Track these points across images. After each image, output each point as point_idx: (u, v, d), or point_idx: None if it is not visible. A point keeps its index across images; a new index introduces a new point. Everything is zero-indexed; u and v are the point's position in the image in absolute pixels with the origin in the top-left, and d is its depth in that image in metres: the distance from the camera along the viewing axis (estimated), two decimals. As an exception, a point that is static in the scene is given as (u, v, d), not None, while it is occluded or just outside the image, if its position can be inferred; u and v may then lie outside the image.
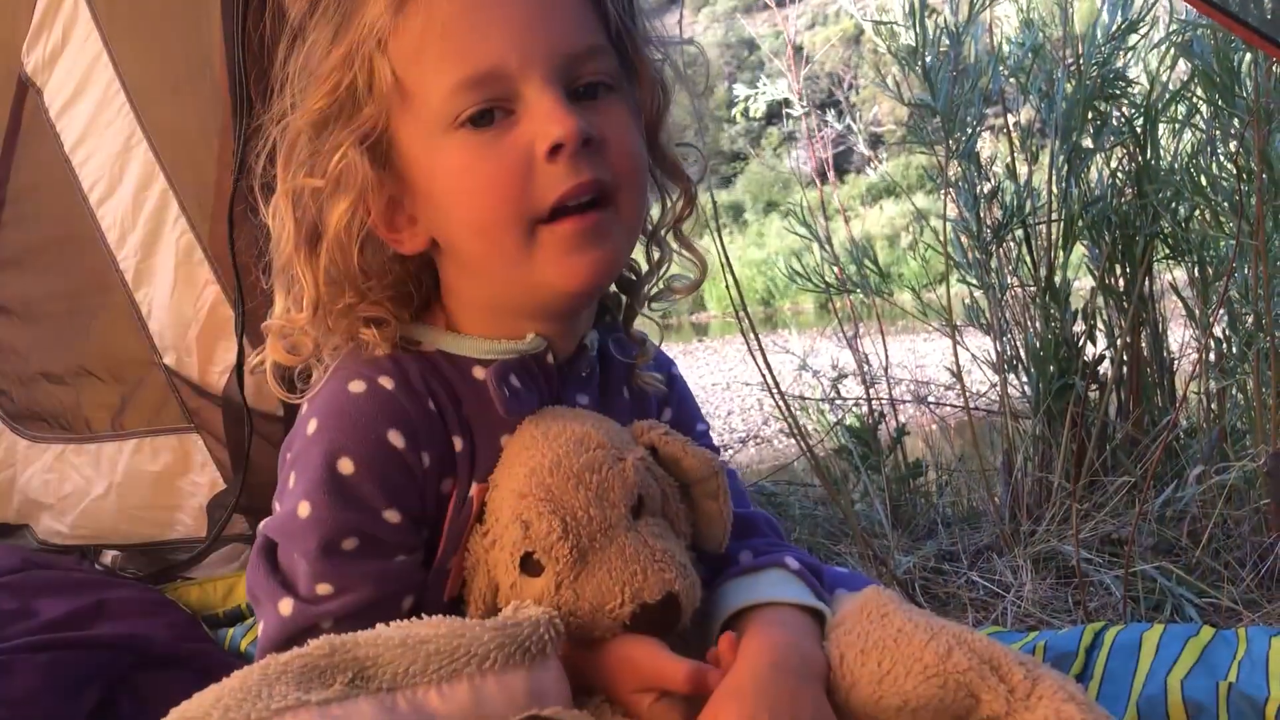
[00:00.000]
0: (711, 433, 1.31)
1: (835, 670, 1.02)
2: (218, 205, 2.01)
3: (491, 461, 1.06)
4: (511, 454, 1.04)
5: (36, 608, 1.72)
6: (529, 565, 1.00)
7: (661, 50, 1.12)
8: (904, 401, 3.18)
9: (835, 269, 3.08)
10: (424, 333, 1.09)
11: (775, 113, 4.27)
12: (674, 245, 1.19)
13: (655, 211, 1.16)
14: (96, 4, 2.07)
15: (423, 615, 0.95)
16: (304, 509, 1.00)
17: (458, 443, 1.05)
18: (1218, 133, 2.34)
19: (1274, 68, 2.02)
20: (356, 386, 1.03)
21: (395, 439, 1.02)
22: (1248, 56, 2.10)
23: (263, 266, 1.11)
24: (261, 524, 1.06)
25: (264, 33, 1.10)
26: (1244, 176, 2.13)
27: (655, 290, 1.21)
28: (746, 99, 3.55)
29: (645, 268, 1.19)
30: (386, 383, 1.03)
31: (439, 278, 1.11)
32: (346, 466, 1.00)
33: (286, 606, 1.01)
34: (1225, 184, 2.26)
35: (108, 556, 2.21)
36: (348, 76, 1.00)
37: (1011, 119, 2.81)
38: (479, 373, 1.06)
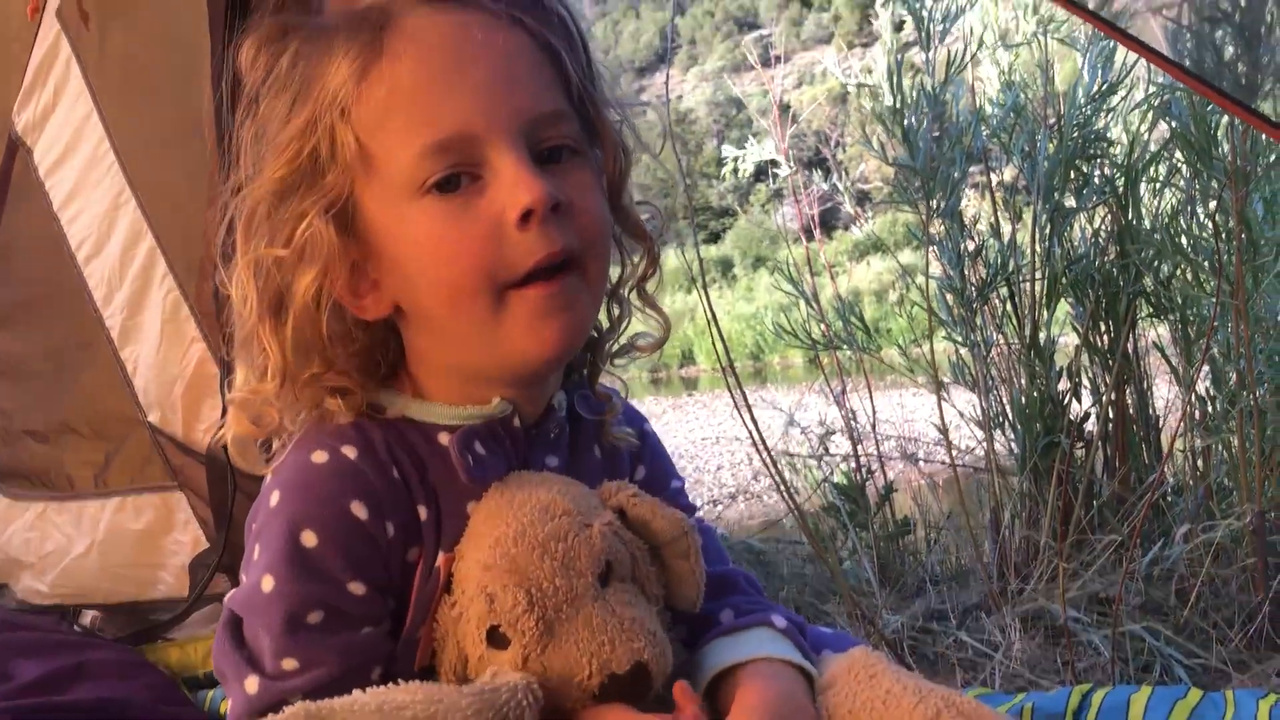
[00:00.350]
0: (700, 487, 1.31)
1: None
2: (204, 263, 2.02)
3: (458, 529, 1.05)
4: (477, 524, 1.03)
5: (13, 670, 1.70)
6: (495, 638, 0.98)
7: (620, 113, 1.13)
8: (891, 458, 3.18)
9: (822, 325, 3.09)
10: (389, 399, 1.08)
11: (764, 169, 4.30)
12: (638, 304, 1.19)
13: (615, 270, 1.17)
14: (88, 64, 2.09)
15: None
16: (267, 583, 0.99)
17: (422, 511, 1.04)
18: (1197, 193, 2.37)
19: (1249, 131, 2.05)
20: (319, 457, 1.02)
21: (359, 510, 1.00)
22: (1224, 119, 2.13)
23: (225, 337, 1.11)
24: (227, 597, 1.05)
25: (219, 97, 1.09)
26: (1223, 236, 2.15)
27: (617, 347, 1.21)
28: (735, 159, 3.58)
29: (606, 325, 1.19)
30: (349, 452, 1.02)
31: (403, 343, 1.10)
32: (310, 539, 0.99)
33: (252, 684, 1.00)
34: (1205, 244, 2.28)
35: (87, 617, 2.19)
36: (309, 144, 0.99)
37: (995, 178, 2.84)
38: (444, 439, 1.05)
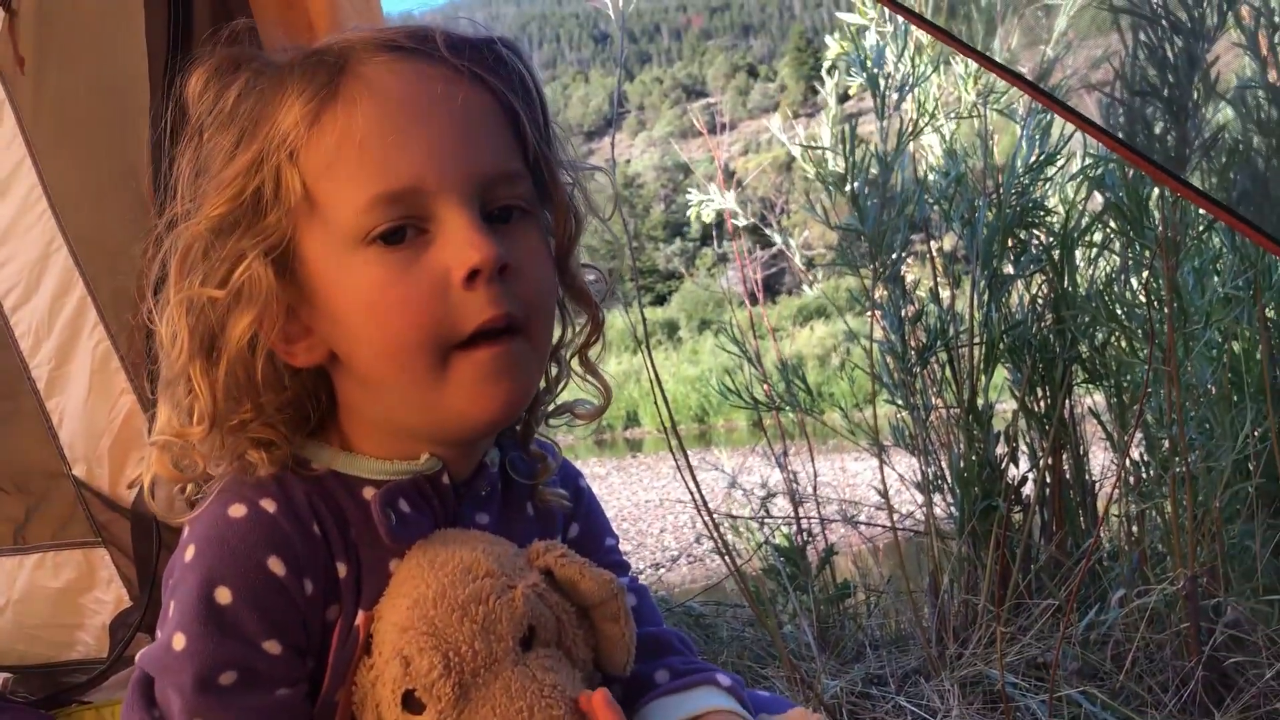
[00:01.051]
0: (643, 550, 1.29)
1: None
2: (136, 313, 1.97)
3: (379, 588, 1.01)
4: (396, 584, 1.00)
5: (-84, 734, 1.62)
6: (411, 703, 0.94)
7: (573, 176, 1.11)
8: (832, 520, 3.18)
9: (765, 386, 3.10)
10: (315, 451, 1.04)
11: (710, 234, 4.32)
12: (579, 371, 1.18)
13: (556, 331, 1.15)
14: (22, 109, 2.06)
15: None
16: (179, 641, 0.94)
17: (341, 569, 1.00)
18: (1130, 262, 2.43)
19: (1179, 203, 2.11)
20: (236, 511, 0.98)
21: (276, 566, 0.96)
22: (1155, 191, 2.18)
23: (147, 376, 1.06)
24: (139, 655, 1.00)
25: (162, 128, 1.05)
26: (1155, 304, 2.19)
27: (554, 408, 1.19)
28: (699, 204, 3.60)
29: (543, 386, 1.15)
30: (269, 506, 0.98)
31: (334, 393, 1.06)
32: (224, 596, 0.95)
33: None
34: (1138, 311, 2.33)
35: (-1, 678, 2.10)
36: (253, 183, 0.96)
37: (935, 245, 2.89)
38: (369, 493, 1.02)
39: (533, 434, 1.17)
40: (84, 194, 2.07)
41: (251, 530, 0.97)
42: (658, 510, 8.56)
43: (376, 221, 0.95)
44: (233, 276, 0.96)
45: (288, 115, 0.96)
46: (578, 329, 1.15)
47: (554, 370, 1.16)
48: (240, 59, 1.02)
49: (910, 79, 2.75)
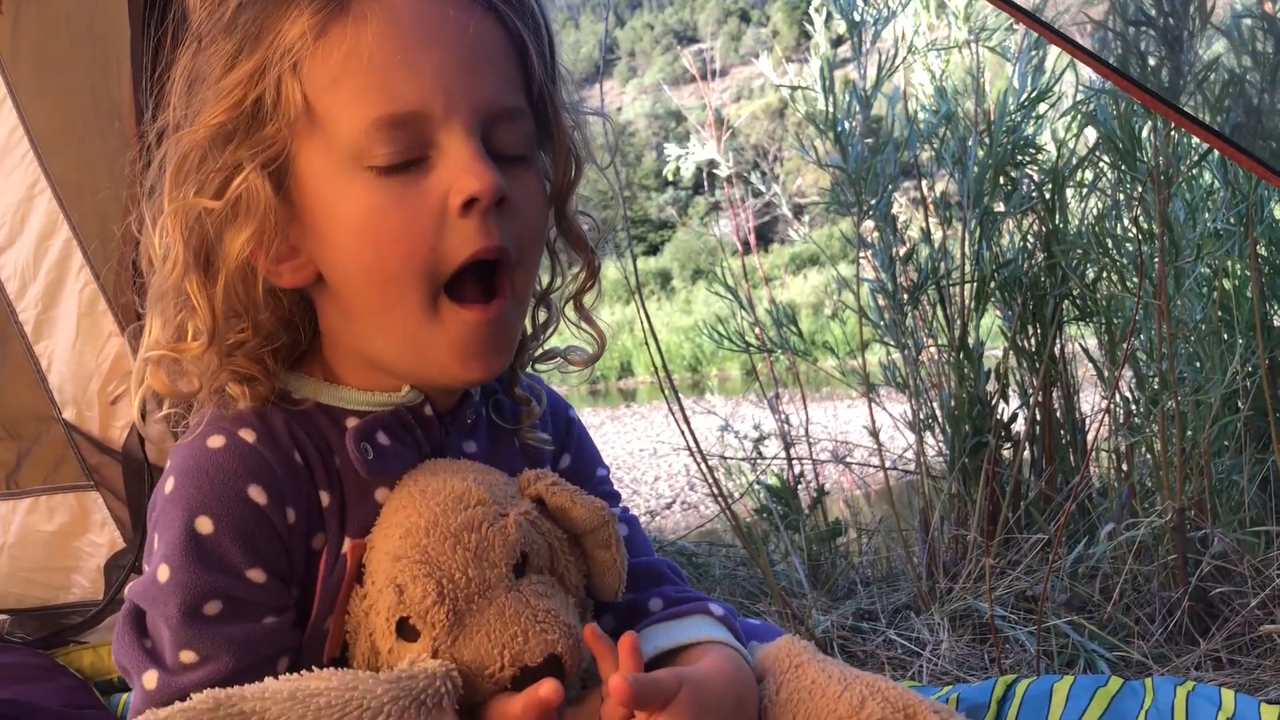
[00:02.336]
0: (637, 498, 1.29)
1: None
2: (123, 254, 1.96)
3: (364, 516, 1.01)
4: (388, 514, 1.00)
5: (-85, 673, 1.64)
6: (405, 630, 0.95)
7: (574, 120, 1.09)
8: (823, 461, 3.19)
9: (756, 330, 3.10)
10: (298, 383, 1.04)
11: (702, 183, 4.32)
12: (574, 318, 1.17)
13: (545, 276, 1.13)
14: (1, 50, 2.03)
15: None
16: (164, 572, 0.95)
17: (324, 497, 1.01)
18: (1122, 198, 2.42)
19: (1172, 133, 2.09)
20: (215, 441, 0.97)
21: (256, 494, 0.96)
22: (1149, 123, 2.17)
23: (137, 288, 1.05)
24: (127, 589, 1.00)
25: (162, 34, 1.03)
26: (1146, 239, 2.19)
27: (544, 352, 1.18)
28: (678, 159, 3.58)
29: (529, 330, 1.16)
30: (247, 435, 0.98)
31: (316, 322, 1.06)
32: (205, 525, 0.95)
33: (151, 679, 0.96)
34: (1129, 248, 2.32)
35: (-4, 620, 2.11)
36: (253, 92, 0.94)
37: (926, 184, 2.88)
38: (352, 423, 1.02)
39: (518, 379, 1.17)
40: (67, 135, 2.04)
41: (230, 460, 0.97)
42: (652, 459, 8.59)
43: (378, 144, 0.93)
44: (230, 187, 0.95)
45: (294, 25, 0.94)
46: (572, 275, 1.15)
47: (543, 315, 1.16)
48: None
49: (888, 12, 2.72)
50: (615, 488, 1.26)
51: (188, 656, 0.95)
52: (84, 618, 2.08)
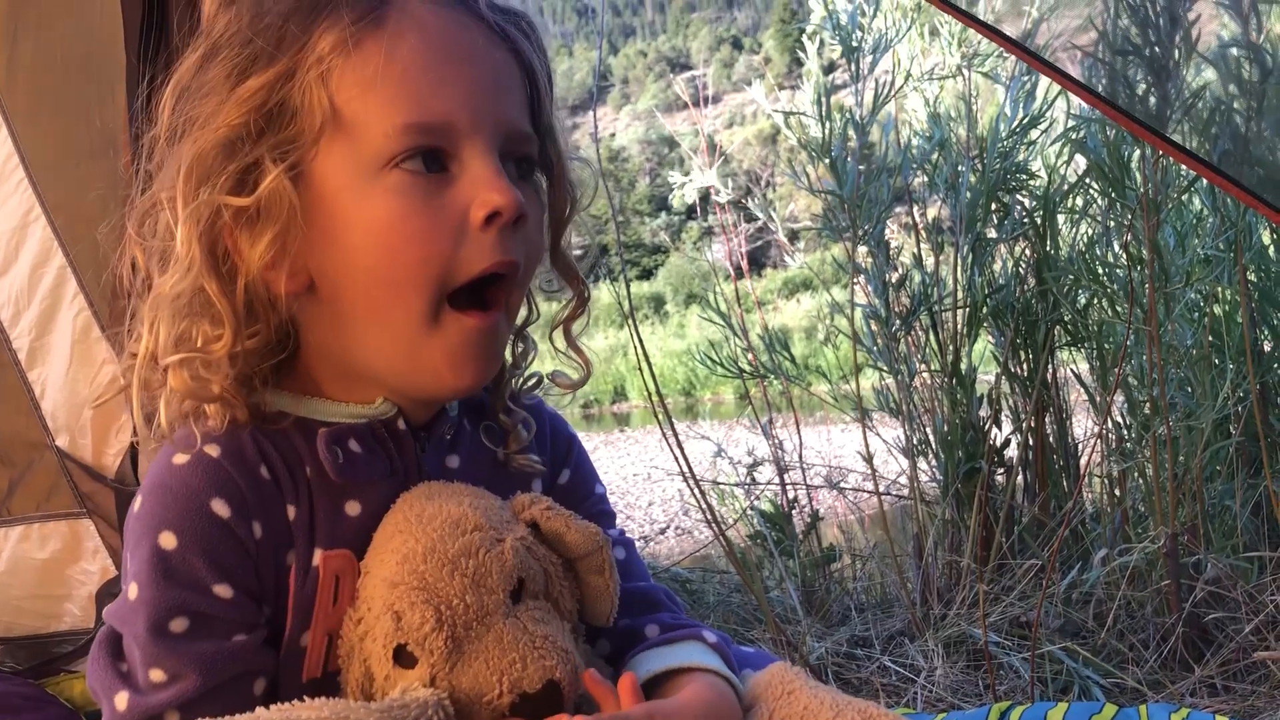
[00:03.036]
0: (631, 523, 1.30)
1: None
2: (117, 281, 1.96)
3: (333, 528, 1.00)
4: (383, 539, 1.00)
5: (-97, 703, 1.62)
6: (403, 657, 0.95)
7: (567, 153, 1.12)
8: (817, 486, 3.19)
9: (749, 355, 3.10)
10: (269, 395, 1.03)
11: (696, 207, 4.33)
12: (562, 345, 1.18)
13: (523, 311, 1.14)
14: (-3, 78, 2.04)
15: (279, 700, 0.90)
16: (133, 590, 0.95)
17: (291, 511, 1.00)
18: (1112, 224, 2.43)
19: (1161, 160, 2.11)
20: (180, 458, 0.97)
21: (220, 509, 0.96)
22: (1137, 152, 2.19)
23: (141, 284, 1.03)
24: (105, 611, 1.00)
25: (172, 38, 1.04)
26: (1136, 265, 2.20)
27: (526, 384, 1.19)
28: (680, 186, 3.60)
29: (510, 360, 1.16)
30: (212, 450, 0.97)
31: (297, 332, 1.05)
32: (169, 541, 0.94)
33: (122, 700, 0.95)
34: (1119, 274, 2.34)
35: (-14, 649, 2.10)
36: (277, 96, 0.95)
37: (918, 210, 2.89)
38: (320, 436, 1.01)
39: (502, 404, 1.17)
40: (62, 163, 2.05)
41: (194, 475, 0.96)
42: (645, 484, 8.57)
43: (406, 146, 0.95)
44: (257, 188, 0.95)
45: (327, 35, 0.96)
46: (562, 303, 1.16)
47: (520, 347, 1.17)
48: None
49: (884, 41, 2.74)
50: (611, 506, 1.26)
51: (156, 675, 0.94)
52: (75, 646, 2.07)
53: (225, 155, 0.96)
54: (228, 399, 0.99)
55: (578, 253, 1.17)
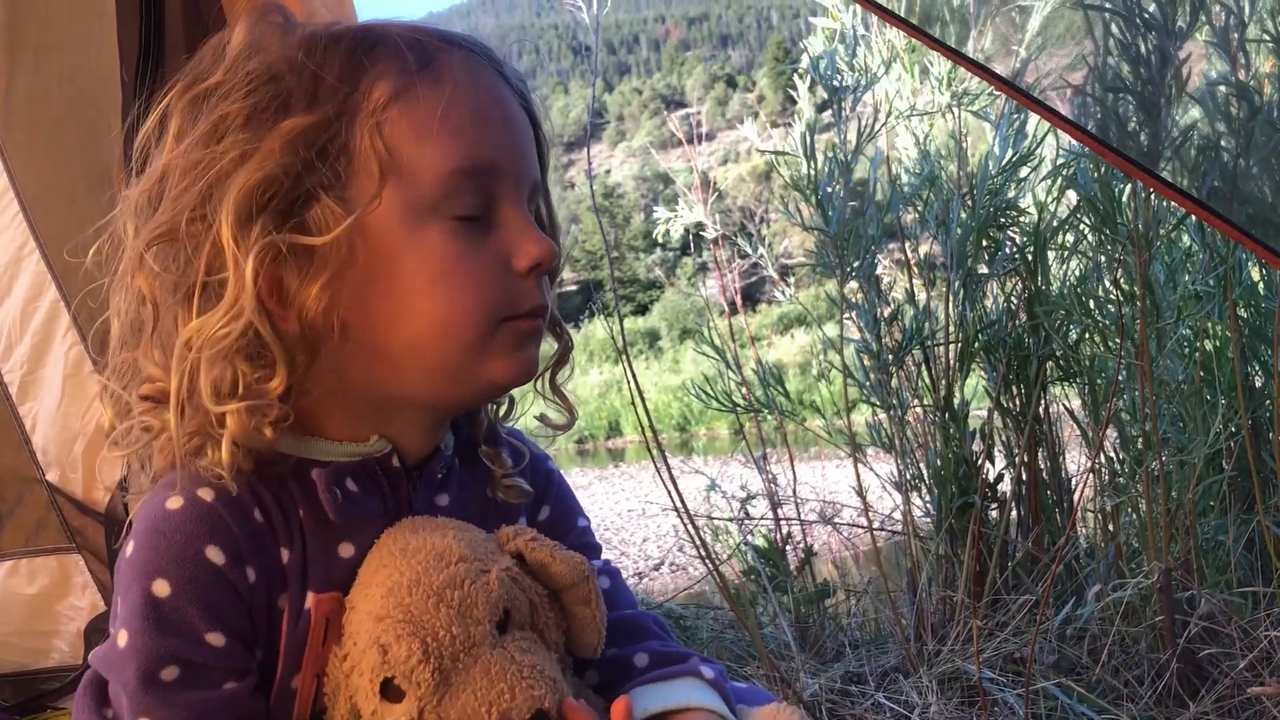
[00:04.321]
0: (625, 559, 1.29)
1: None
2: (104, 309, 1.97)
3: (327, 571, 1.00)
4: (368, 573, 0.99)
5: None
6: (389, 691, 0.93)
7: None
8: (811, 522, 3.18)
9: (743, 389, 3.11)
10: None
11: (690, 243, 4.34)
12: (549, 394, 1.19)
13: None
14: (-7, 112, 2.05)
15: None
16: (123, 638, 0.93)
17: (285, 554, 0.98)
18: (1103, 260, 2.45)
19: (1151, 197, 2.12)
20: (174, 503, 0.95)
21: (214, 555, 0.94)
22: (1128, 187, 2.20)
23: (151, 316, 1.00)
24: (90, 655, 0.99)
25: (168, 73, 1.05)
26: (1127, 300, 2.21)
27: (498, 412, 1.20)
28: (666, 221, 3.62)
29: (500, 412, 1.19)
30: (206, 495, 0.96)
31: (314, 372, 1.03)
32: (162, 589, 0.93)
33: None
34: (1110, 309, 2.35)
35: (-29, 686, 2.08)
36: (325, 137, 0.95)
37: (910, 247, 2.91)
38: (316, 474, 1.00)
39: (482, 433, 1.18)
40: (56, 196, 2.06)
41: (187, 521, 0.95)
42: (640, 520, 8.54)
43: (457, 193, 0.97)
44: (322, 229, 0.95)
45: (380, 83, 0.97)
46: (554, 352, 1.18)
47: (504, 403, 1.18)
48: (291, 20, 1.03)
49: (868, 78, 2.77)
50: (595, 539, 1.26)
51: None
52: (63, 683, 2.06)
53: (275, 192, 0.95)
54: (238, 448, 0.96)
55: (572, 288, 1.20)
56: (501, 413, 1.19)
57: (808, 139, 2.70)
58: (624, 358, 2.59)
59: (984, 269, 2.67)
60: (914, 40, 2.94)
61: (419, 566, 0.96)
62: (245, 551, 0.96)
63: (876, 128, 2.74)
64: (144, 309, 0.98)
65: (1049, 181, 2.65)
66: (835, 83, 2.76)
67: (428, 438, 1.07)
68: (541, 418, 1.20)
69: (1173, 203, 2.15)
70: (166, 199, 0.98)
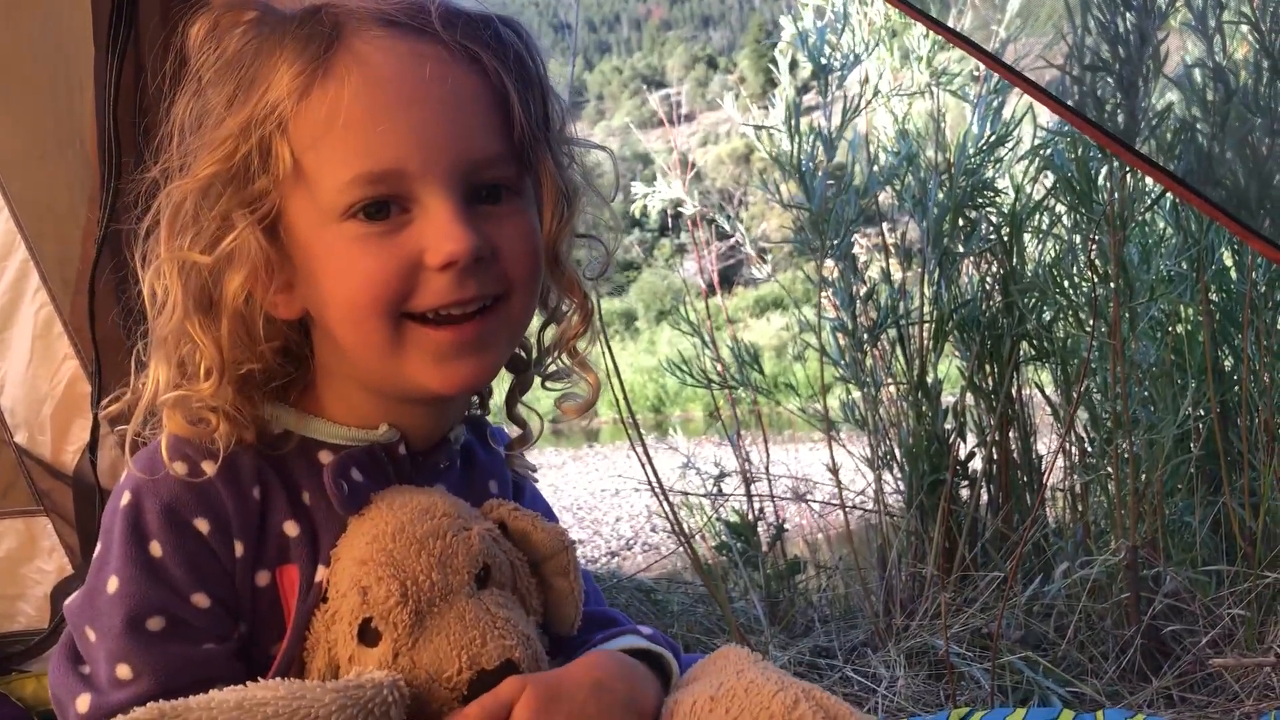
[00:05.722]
0: (598, 538, 1.31)
1: (684, 715, 1.01)
2: (80, 276, 1.95)
3: (337, 543, 1.03)
4: (355, 527, 1.02)
5: None
6: (367, 634, 0.96)
7: (569, 158, 1.10)
8: (784, 498, 3.19)
9: (718, 366, 3.11)
10: (276, 411, 1.05)
11: (668, 223, 4.33)
12: (567, 362, 1.17)
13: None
14: (-37, 72, 2.01)
15: None
16: (112, 584, 0.97)
17: (291, 527, 1.02)
18: (1078, 241, 2.46)
19: (1128, 177, 2.14)
20: (179, 467, 0.99)
21: (202, 526, 0.99)
22: (1105, 167, 2.21)
23: (140, 332, 1.04)
24: (66, 603, 1.00)
25: (161, 77, 1.04)
26: (1102, 281, 2.23)
27: (550, 369, 1.18)
28: (644, 197, 3.61)
29: (535, 354, 1.17)
30: (208, 467, 1.00)
31: (311, 351, 1.08)
32: (155, 549, 0.97)
33: (84, 703, 0.97)
34: (1084, 290, 2.36)
35: (-64, 647, 2.06)
36: (243, 148, 0.96)
37: (886, 226, 2.91)
38: (325, 457, 1.04)
39: (516, 400, 1.18)
40: (28, 156, 2.03)
41: (185, 491, 0.99)
42: (613, 499, 8.55)
43: (357, 198, 0.96)
44: (222, 241, 0.97)
45: (278, 85, 0.96)
46: (566, 318, 1.14)
47: (532, 355, 1.16)
48: (244, 7, 1.01)
49: (854, 55, 2.77)
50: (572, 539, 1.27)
51: (123, 671, 0.95)
52: (27, 646, 2.04)
53: (199, 207, 0.98)
54: (237, 419, 1.01)
55: (597, 254, 1.17)
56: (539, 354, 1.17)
57: (791, 114, 2.70)
58: (602, 337, 2.58)
59: (960, 248, 2.68)
60: (895, 20, 2.94)
61: (404, 517, 1.00)
62: (235, 526, 1.00)
63: (863, 104, 2.73)
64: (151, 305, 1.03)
65: (1026, 161, 2.66)
66: (822, 59, 2.75)
67: (433, 425, 1.09)
68: (559, 402, 1.19)
69: (1149, 182, 2.16)
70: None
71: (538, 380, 1.20)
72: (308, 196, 0.97)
